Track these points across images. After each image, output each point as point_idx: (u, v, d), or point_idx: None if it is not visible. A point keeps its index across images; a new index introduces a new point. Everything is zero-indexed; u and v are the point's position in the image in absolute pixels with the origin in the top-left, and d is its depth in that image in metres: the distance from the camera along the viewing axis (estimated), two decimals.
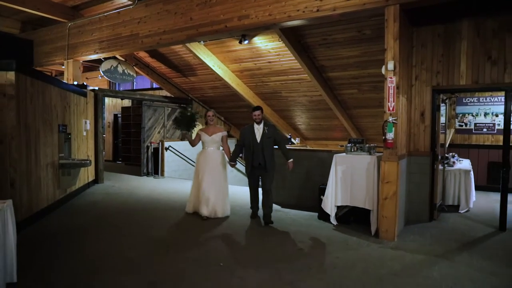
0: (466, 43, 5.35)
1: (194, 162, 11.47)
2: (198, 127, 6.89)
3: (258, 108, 5.60)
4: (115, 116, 14.54)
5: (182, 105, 11.52)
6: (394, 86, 4.70)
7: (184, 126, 6.37)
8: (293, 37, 7.34)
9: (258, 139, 5.47)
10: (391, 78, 4.71)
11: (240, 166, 10.27)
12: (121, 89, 13.72)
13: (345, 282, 3.47)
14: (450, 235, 5.03)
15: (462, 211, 6.40)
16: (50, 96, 6.02)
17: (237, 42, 7.85)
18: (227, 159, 5.95)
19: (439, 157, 6.16)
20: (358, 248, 4.47)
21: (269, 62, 8.72)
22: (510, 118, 5.24)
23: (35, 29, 9.87)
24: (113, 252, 4.28)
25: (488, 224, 5.58)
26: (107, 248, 4.42)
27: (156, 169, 10.37)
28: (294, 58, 7.85)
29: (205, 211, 5.64)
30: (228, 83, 9.65)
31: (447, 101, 6.60)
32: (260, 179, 5.73)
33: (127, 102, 13.59)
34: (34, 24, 9.90)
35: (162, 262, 3.96)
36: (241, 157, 8.21)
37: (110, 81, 13.36)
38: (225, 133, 6.00)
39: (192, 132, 6.62)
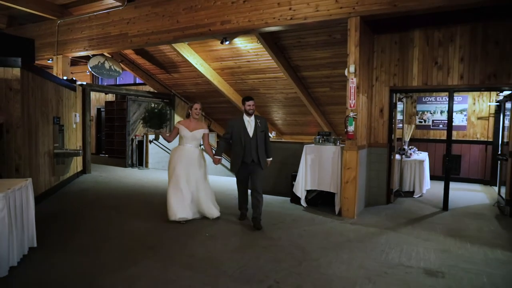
0: (418, 50, 6.23)
1: None
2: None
3: (251, 98, 5.11)
4: (99, 110, 14.92)
5: (165, 100, 12.09)
6: (354, 86, 5.51)
7: (154, 124, 5.62)
8: (270, 39, 8.06)
9: (251, 133, 4.98)
10: (352, 79, 5.51)
11: (224, 161, 10.95)
12: (105, 83, 14.12)
13: (309, 246, 4.25)
14: (402, 214, 5.91)
15: (416, 196, 7.33)
16: (47, 90, 6.56)
17: (219, 42, 8.48)
18: (206, 156, 5.46)
19: (397, 148, 7.05)
20: (322, 224, 5.27)
21: (248, 61, 9.42)
22: (452, 115, 6.17)
23: (22, 24, 10.23)
24: (115, 225, 4.94)
25: (435, 206, 6.50)
26: (108, 223, 5.07)
27: (141, 161, 10.93)
28: (271, 58, 8.58)
29: (190, 214, 5.09)
30: (209, 80, 10.29)
31: (404, 99, 7.48)
32: (249, 178, 5.16)
33: (110, 97, 14.03)
34: (21, 19, 10.26)
35: (157, 231, 4.66)
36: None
37: (93, 76, 13.77)
38: (207, 130, 5.42)
39: (165, 128, 6.12)
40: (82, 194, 7.01)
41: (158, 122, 5.59)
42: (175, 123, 6.16)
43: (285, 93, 10.25)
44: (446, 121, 9.53)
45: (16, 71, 5.26)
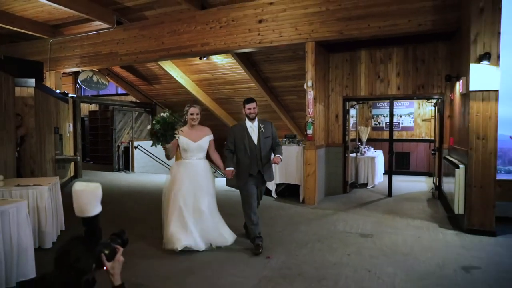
0: (364, 66, 7.61)
1: (162, 160, 13.29)
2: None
3: (253, 100, 4.47)
4: (82, 119, 15.71)
5: (147, 109, 13.11)
6: (312, 98, 6.81)
7: (165, 138, 3.96)
8: (243, 56, 9.30)
9: (255, 140, 4.35)
10: (310, 91, 6.82)
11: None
12: (89, 94, 14.97)
13: (276, 223, 5.49)
14: (354, 200, 7.25)
15: (369, 187, 8.72)
16: (49, 104, 7.54)
17: (197, 58, 9.69)
18: (212, 169, 4.63)
19: (352, 148, 8.43)
20: (289, 209, 6.52)
21: (224, 73, 10.64)
22: (393, 118, 7.61)
23: (13, 41, 11.05)
24: (120, 214, 6.02)
25: (382, 194, 7.89)
26: (114, 213, 6.13)
27: (127, 166, 11.91)
28: (244, 71, 9.83)
29: (201, 244, 4.20)
30: (189, 90, 11.43)
31: (356, 106, 8.88)
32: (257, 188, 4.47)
33: (94, 107, 14.89)
34: (12, 36, 11.07)
35: (157, 217, 5.78)
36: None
37: (75, 86, 14.61)
38: (212, 135, 4.52)
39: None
40: None
41: (168, 135, 3.97)
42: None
43: (257, 101, 11.38)
44: (397, 123, 11.13)
45: (31, 90, 6.27)
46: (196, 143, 4.35)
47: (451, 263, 3.84)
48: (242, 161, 4.38)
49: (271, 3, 7.10)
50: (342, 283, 3.37)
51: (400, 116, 11.06)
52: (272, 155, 4.49)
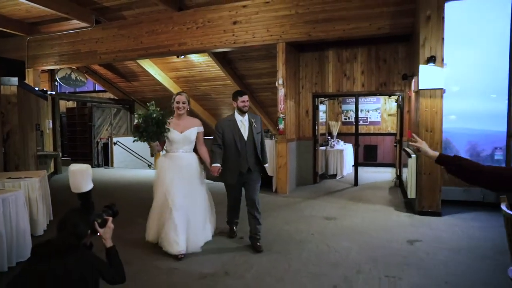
0: (332, 65, 8.20)
1: (140, 156, 13.58)
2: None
3: (245, 92, 4.29)
4: (60, 116, 15.76)
5: (125, 106, 13.35)
6: (283, 94, 7.34)
7: (152, 135, 3.82)
8: (219, 54, 9.72)
9: (245, 135, 4.13)
10: (281, 89, 7.35)
11: None
12: (66, 91, 15.03)
13: None
14: (323, 190, 7.85)
15: (338, 178, 9.36)
16: (31, 102, 7.78)
17: (175, 56, 10.05)
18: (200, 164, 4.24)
19: (321, 141, 9.03)
20: (262, 198, 6.97)
21: (201, 71, 11.03)
22: (358, 114, 8.24)
23: None
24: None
25: (349, 183, 8.53)
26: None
27: (107, 161, 12.16)
28: (220, 69, 10.26)
29: (182, 244, 3.86)
30: (166, 87, 11.76)
31: (325, 102, 9.48)
32: (243, 188, 4.33)
33: (71, 103, 14.97)
34: None
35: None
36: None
37: (51, 83, 14.66)
38: (201, 127, 4.25)
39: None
40: (65, 189, 8.28)
41: (156, 132, 3.82)
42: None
43: None
44: (366, 118, 11.84)
45: (14, 88, 6.53)
46: (181, 134, 4.05)
47: (399, 238, 4.46)
48: (231, 158, 4.12)
49: (244, 6, 7.56)
50: (304, 256, 3.92)
51: (368, 111, 11.77)
52: (258, 165, 4.29)
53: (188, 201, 3.95)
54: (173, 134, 4.03)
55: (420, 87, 5.50)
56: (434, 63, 5.37)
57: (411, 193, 5.75)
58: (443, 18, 5.36)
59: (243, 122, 4.19)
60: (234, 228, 4.68)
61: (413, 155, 5.73)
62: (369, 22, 6.74)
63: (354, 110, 11.99)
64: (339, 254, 3.96)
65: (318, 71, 8.32)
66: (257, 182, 4.29)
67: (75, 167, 2.35)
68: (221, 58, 9.92)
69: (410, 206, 5.99)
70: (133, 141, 3.91)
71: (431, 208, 5.52)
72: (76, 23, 9.57)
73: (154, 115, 3.76)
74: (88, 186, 2.34)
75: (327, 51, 8.21)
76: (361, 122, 11.88)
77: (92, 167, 12.06)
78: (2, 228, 3.35)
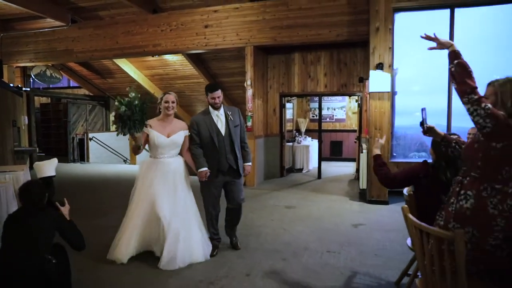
0: (297, 67, 8.83)
1: (116, 151, 13.85)
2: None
3: (217, 87, 3.88)
4: (34, 112, 15.79)
5: (100, 102, 13.61)
6: (251, 94, 7.92)
7: (138, 123, 3.46)
8: (193, 54, 10.20)
9: (223, 131, 3.83)
10: (249, 89, 7.92)
11: None
12: (40, 87, 15.09)
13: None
14: (288, 182, 8.50)
15: (304, 171, 10.04)
16: (7, 98, 8.05)
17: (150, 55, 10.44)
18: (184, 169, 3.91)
19: (288, 137, 9.67)
20: None
21: (175, 69, 11.46)
22: (321, 112, 8.93)
23: None
24: (100, 200, 6.79)
25: (314, 177, 9.22)
26: (91, 199, 6.88)
27: (82, 156, 12.43)
28: (193, 68, 10.73)
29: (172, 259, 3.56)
30: (141, 84, 12.11)
31: (293, 101, 10.13)
32: (223, 190, 4.00)
33: (45, 99, 15.05)
34: None
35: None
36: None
37: (24, 79, 14.70)
38: (187, 131, 3.90)
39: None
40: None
41: (142, 118, 3.48)
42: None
43: None
44: (331, 115, 12.58)
45: None
46: (169, 138, 3.73)
47: (347, 222, 5.14)
48: (209, 157, 3.81)
49: (215, 11, 8.07)
50: (262, 237, 4.53)
51: (334, 109, 12.53)
52: (240, 161, 3.91)
53: (178, 211, 3.65)
54: (159, 138, 3.69)
55: (370, 90, 6.20)
56: (382, 69, 6.07)
57: (363, 184, 6.46)
58: (390, 29, 6.06)
59: (218, 116, 3.85)
60: (218, 244, 4.04)
61: (364, 150, 6.44)
62: (329, 29, 7.39)
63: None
64: (292, 235, 4.58)
65: (284, 73, 8.94)
66: (240, 183, 3.95)
67: (40, 162, 3.42)
68: (195, 58, 10.40)
69: (363, 196, 6.71)
70: (117, 135, 3.53)
71: (379, 197, 6.25)
72: (51, 21, 9.81)
73: (137, 101, 3.41)
74: (51, 172, 3.36)
75: (293, 54, 8.83)
76: (327, 119, 12.64)
77: (68, 162, 12.39)
78: None
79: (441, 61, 6.39)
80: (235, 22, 7.96)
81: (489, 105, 1.97)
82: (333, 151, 12.42)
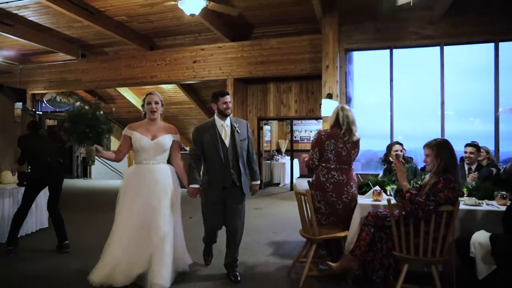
0: (272, 95, 10.44)
1: (114, 168, 15.42)
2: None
3: (226, 92, 3.65)
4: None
5: None
6: None
7: (82, 136, 3.23)
8: (185, 84, 11.81)
9: (227, 142, 3.53)
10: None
11: None
12: (49, 111, 16.69)
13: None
14: (264, 193, 9.90)
15: (280, 185, 11.49)
16: (26, 120, 9.55)
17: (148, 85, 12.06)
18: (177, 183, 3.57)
19: (267, 155, 11.17)
20: None
21: (169, 96, 13.03)
22: (293, 134, 10.50)
23: None
24: (102, 210, 8.19)
25: (287, 189, 10.64)
26: (91, 208, 8.28)
27: (85, 173, 13.85)
28: (185, 95, 12.34)
29: (158, 278, 3.17)
30: (140, 109, 13.64)
31: (269, 124, 11.70)
32: (225, 208, 3.58)
33: (52, 122, 16.59)
34: None
35: None
36: None
37: (33, 103, 16.31)
38: (177, 136, 3.64)
39: (105, 141, 3.61)
40: None
41: (88, 130, 3.23)
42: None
43: (198, 118, 13.99)
44: (308, 137, 14.14)
45: (19, 111, 8.33)
46: (153, 141, 3.40)
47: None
48: (212, 170, 3.50)
49: (202, 49, 9.75)
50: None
51: (311, 132, 14.10)
52: (244, 178, 3.55)
53: (154, 225, 3.27)
54: (143, 141, 3.39)
55: (322, 115, 7.77)
56: (331, 98, 7.65)
57: None
58: (337, 67, 7.68)
59: (223, 127, 3.52)
60: (210, 260, 3.99)
61: None
62: (295, 65, 9.03)
63: (299, 130, 14.39)
64: (253, 226, 6.00)
65: (261, 99, 10.54)
66: (242, 203, 3.59)
67: None
68: (186, 87, 12.04)
69: None
70: (66, 146, 3.44)
71: None
72: (64, 55, 11.48)
73: (83, 111, 3.20)
74: None
75: (269, 84, 10.46)
76: (305, 140, 14.19)
77: (72, 178, 13.82)
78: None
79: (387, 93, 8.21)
80: (219, 59, 9.61)
81: None
82: (309, 168, 13.85)
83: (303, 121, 14.18)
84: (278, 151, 13.33)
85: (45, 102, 12.77)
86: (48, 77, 11.59)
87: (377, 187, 3.73)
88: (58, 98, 13.10)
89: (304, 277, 3.41)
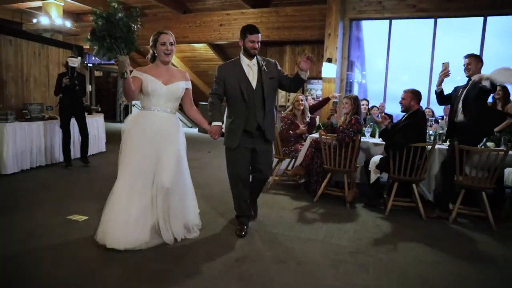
0: (288, 56, 11.86)
1: None
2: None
3: (257, 29, 3.29)
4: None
5: None
6: None
7: (120, 42, 2.78)
8: (214, 44, 13.40)
9: (254, 84, 3.23)
10: None
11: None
12: (95, 63, 18.85)
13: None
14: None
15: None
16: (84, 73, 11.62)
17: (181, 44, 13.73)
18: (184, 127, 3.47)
19: None
20: None
21: (200, 53, 14.72)
22: (304, 91, 12.03)
23: None
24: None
25: None
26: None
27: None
28: (214, 54, 13.96)
29: (166, 235, 3.06)
30: (174, 64, 15.48)
31: None
32: (251, 156, 3.33)
33: (98, 73, 18.81)
34: None
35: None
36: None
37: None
38: (190, 83, 3.30)
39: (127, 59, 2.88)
40: None
41: (127, 35, 2.80)
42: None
43: None
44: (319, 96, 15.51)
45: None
46: (166, 86, 3.10)
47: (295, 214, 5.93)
48: (235, 113, 3.29)
49: (228, 14, 11.23)
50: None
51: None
52: (270, 121, 3.33)
53: (160, 178, 3.01)
54: (154, 84, 3.05)
55: (322, 76, 9.25)
56: (331, 62, 9.08)
57: None
58: (337, 35, 9.02)
59: (250, 67, 3.29)
60: (247, 222, 3.48)
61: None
62: (305, 31, 10.39)
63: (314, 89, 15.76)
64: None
65: (279, 60, 11.80)
66: (269, 149, 3.39)
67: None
68: (215, 46, 13.62)
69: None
70: (94, 57, 2.85)
71: None
72: None
73: (120, 14, 2.71)
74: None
75: (285, 46, 11.86)
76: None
77: (115, 122, 16.08)
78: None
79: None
80: (241, 23, 11.02)
81: None
82: None
83: (312, 81, 15.51)
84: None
85: (94, 56, 14.77)
86: None
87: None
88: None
89: (271, 183, 5.23)
